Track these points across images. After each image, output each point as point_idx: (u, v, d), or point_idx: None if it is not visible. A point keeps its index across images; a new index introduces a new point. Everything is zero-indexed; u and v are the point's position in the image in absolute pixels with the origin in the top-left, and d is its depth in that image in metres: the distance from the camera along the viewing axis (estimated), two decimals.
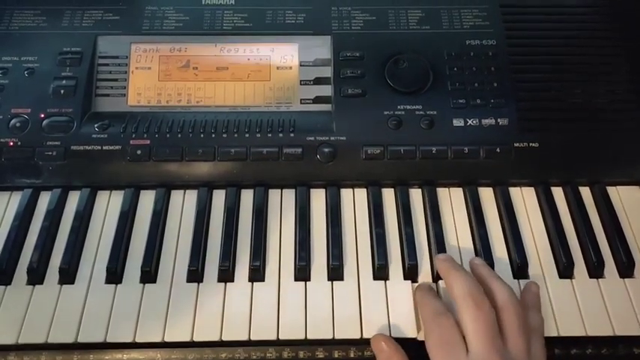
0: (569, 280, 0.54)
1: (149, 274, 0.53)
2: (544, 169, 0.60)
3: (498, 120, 0.61)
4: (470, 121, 0.60)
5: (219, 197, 0.59)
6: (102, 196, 0.59)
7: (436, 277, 0.54)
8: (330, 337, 0.50)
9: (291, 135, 0.60)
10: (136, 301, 0.51)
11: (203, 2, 0.66)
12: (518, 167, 0.59)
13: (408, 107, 0.61)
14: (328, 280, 0.53)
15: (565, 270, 0.54)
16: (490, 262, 0.54)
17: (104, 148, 0.59)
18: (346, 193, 0.59)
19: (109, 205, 0.58)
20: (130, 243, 0.55)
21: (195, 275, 0.53)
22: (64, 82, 0.61)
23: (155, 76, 0.63)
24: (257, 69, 0.64)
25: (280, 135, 0.60)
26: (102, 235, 0.56)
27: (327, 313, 0.51)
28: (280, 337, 0.50)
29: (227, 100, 0.63)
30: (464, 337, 0.45)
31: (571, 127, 0.61)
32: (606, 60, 0.63)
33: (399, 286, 0.53)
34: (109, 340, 0.50)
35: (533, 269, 0.54)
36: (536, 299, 0.51)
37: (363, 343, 0.50)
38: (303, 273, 0.53)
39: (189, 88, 0.63)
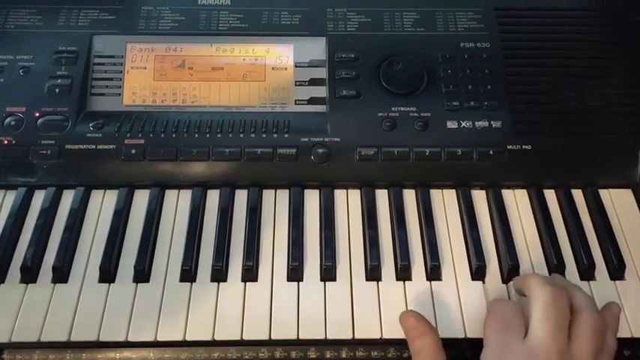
0: None
1: (142, 274, 0.53)
2: (537, 171, 0.60)
3: (492, 122, 0.61)
4: (463, 123, 0.61)
5: (213, 197, 0.59)
6: (96, 195, 0.59)
7: (429, 278, 0.54)
8: (322, 337, 0.50)
9: (286, 135, 0.60)
10: (129, 301, 0.52)
11: (199, 2, 0.67)
12: (511, 169, 0.60)
13: (402, 109, 0.61)
14: (321, 280, 0.54)
15: (556, 272, 0.54)
16: (482, 263, 0.54)
17: (99, 147, 0.59)
18: (340, 194, 0.59)
19: (103, 204, 0.58)
20: (124, 242, 0.55)
21: (189, 275, 0.53)
22: (59, 81, 0.61)
23: (150, 75, 0.63)
24: (252, 69, 0.64)
25: (275, 135, 0.60)
26: (96, 234, 0.56)
27: (319, 314, 0.51)
28: (273, 337, 0.50)
29: (222, 101, 0.63)
30: (526, 329, 0.44)
31: (564, 129, 0.61)
32: (599, 63, 0.64)
33: (391, 287, 0.53)
34: (102, 339, 0.50)
35: (525, 271, 0.54)
36: (615, 321, 0.48)
37: (355, 343, 0.51)
38: (295, 273, 0.53)
39: (185, 88, 0.63)
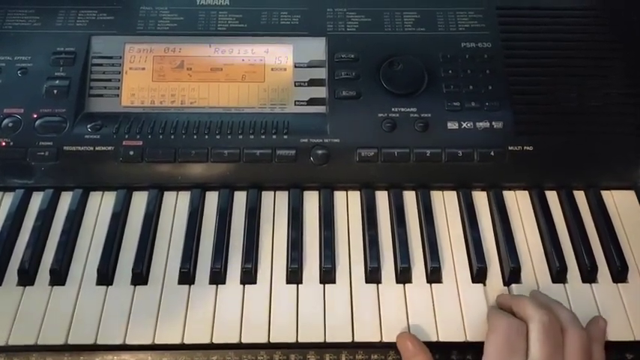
0: (562, 284, 0.53)
1: (140, 276, 0.53)
2: (538, 172, 0.59)
3: (493, 123, 0.60)
4: (464, 124, 0.60)
5: (212, 199, 0.58)
6: (94, 197, 0.58)
7: (429, 281, 0.54)
8: (321, 340, 0.50)
9: (285, 137, 0.59)
10: (127, 303, 0.51)
11: (198, 3, 0.66)
12: (513, 171, 0.59)
13: (403, 110, 0.61)
14: (320, 282, 0.53)
15: (558, 275, 0.54)
16: (483, 265, 0.54)
17: (97, 148, 0.58)
18: (340, 196, 0.59)
19: (101, 206, 0.58)
20: (122, 244, 0.55)
21: (187, 277, 0.53)
22: (57, 82, 0.61)
23: (149, 76, 0.63)
24: (251, 70, 0.63)
25: (274, 137, 0.59)
26: (93, 237, 0.56)
27: (318, 316, 0.51)
28: (271, 340, 0.50)
29: (221, 101, 0.62)
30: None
31: (566, 130, 0.60)
32: (601, 63, 0.63)
33: (391, 289, 0.53)
34: (100, 342, 0.49)
35: (526, 274, 0.54)
36: (602, 334, 0.49)
37: (355, 346, 0.50)
38: (295, 276, 0.53)
39: (183, 88, 0.63)
